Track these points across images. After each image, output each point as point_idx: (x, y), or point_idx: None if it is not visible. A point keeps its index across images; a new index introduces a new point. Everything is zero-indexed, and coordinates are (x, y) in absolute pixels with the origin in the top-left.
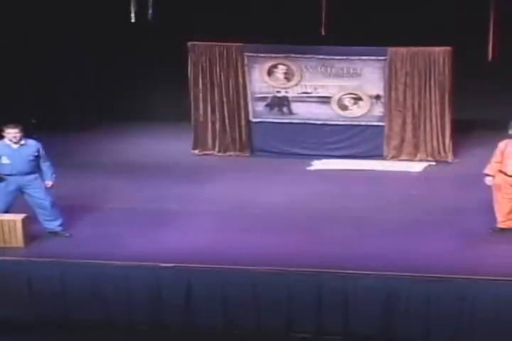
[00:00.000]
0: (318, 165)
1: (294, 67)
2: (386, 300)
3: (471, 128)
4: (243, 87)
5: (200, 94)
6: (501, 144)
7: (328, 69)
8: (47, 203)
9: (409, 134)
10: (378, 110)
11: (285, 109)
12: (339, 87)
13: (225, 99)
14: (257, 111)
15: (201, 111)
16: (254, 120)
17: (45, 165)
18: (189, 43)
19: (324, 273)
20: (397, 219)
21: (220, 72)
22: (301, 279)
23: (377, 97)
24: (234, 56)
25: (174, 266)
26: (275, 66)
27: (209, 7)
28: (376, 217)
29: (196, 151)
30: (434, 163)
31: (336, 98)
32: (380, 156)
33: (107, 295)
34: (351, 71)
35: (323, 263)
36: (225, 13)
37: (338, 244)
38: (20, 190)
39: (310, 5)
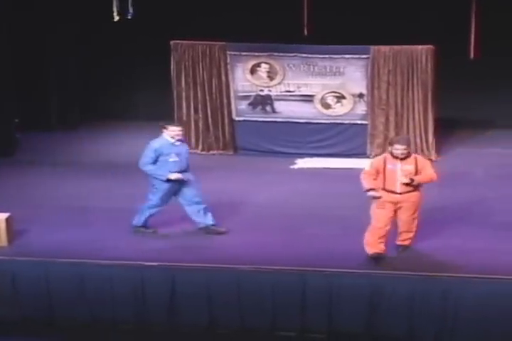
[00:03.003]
0: (301, 163)
1: (276, 65)
2: (370, 298)
3: (454, 127)
4: (226, 85)
5: (183, 93)
6: None
7: (311, 67)
8: (200, 199)
9: (392, 132)
10: (361, 108)
11: (268, 108)
12: (322, 86)
13: (208, 98)
14: (240, 110)
15: (184, 110)
16: (237, 119)
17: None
18: (172, 42)
19: (308, 271)
20: None
21: (203, 70)
22: (286, 278)
23: (360, 96)
24: (217, 55)
25: (158, 265)
26: (258, 65)
27: (192, 6)
28: (360, 216)
29: None
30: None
31: (319, 96)
32: (363, 155)
33: (92, 294)
34: (334, 69)
35: (308, 262)
36: (208, 12)
37: (321, 242)
38: (180, 186)
39: (293, 4)
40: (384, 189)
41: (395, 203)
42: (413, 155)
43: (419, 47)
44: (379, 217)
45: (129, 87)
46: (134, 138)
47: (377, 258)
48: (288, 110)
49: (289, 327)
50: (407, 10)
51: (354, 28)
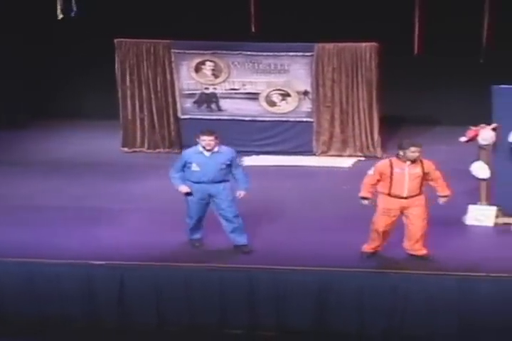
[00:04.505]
0: (248, 161)
1: (221, 63)
2: (318, 294)
3: (399, 124)
4: (171, 83)
5: (128, 92)
6: None
7: (256, 65)
8: (230, 215)
9: (337, 130)
10: (306, 106)
11: (213, 106)
12: (267, 83)
13: (153, 96)
14: (186, 108)
15: (129, 109)
16: (182, 117)
17: (239, 174)
18: (116, 40)
19: (256, 268)
20: (328, 214)
21: (147, 69)
22: (234, 275)
23: (305, 93)
24: (161, 53)
25: (106, 264)
26: (202, 63)
27: (137, 4)
28: (307, 213)
29: (126, 149)
30: (363, 159)
31: (264, 94)
32: (309, 152)
33: (41, 293)
34: (279, 67)
35: (256, 259)
36: (153, 10)
37: (269, 239)
38: (209, 198)
39: (239, 1)
40: (389, 194)
41: (401, 209)
42: (419, 158)
43: (363, 44)
44: (380, 222)
45: (77, 86)
46: (83, 138)
47: (369, 257)
48: (233, 108)
49: (237, 324)
50: (351, 7)
51: (300, 26)
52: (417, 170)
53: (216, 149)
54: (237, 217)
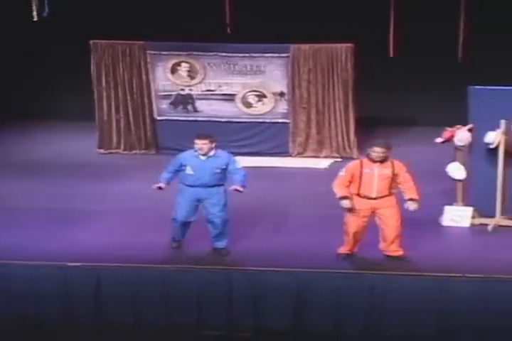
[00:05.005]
0: None
1: (197, 64)
2: (296, 295)
3: (375, 125)
4: (147, 85)
5: (104, 93)
6: None
7: (232, 66)
8: (218, 220)
9: (314, 131)
10: (283, 107)
11: (189, 107)
12: (243, 85)
13: (129, 98)
14: (162, 109)
15: (105, 110)
16: (158, 118)
17: (238, 175)
18: (91, 42)
19: (234, 270)
20: (305, 215)
21: (123, 70)
22: (211, 276)
23: (281, 94)
24: (137, 54)
25: (82, 265)
26: (178, 64)
27: (112, 5)
28: (284, 214)
29: (102, 150)
30: (339, 160)
31: (240, 95)
32: (286, 153)
33: (17, 294)
34: (254, 68)
35: (233, 260)
36: (128, 11)
37: (246, 240)
38: (199, 202)
39: (214, 2)
40: (358, 194)
41: (370, 210)
42: (389, 159)
43: (339, 45)
44: (351, 223)
45: (52, 88)
46: (59, 139)
47: (344, 258)
48: (209, 109)
49: (215, 325)
50: (327, 8)
51: (275, 27)
52: (387, 171)
53: (212, 153)
54: (225, 224)
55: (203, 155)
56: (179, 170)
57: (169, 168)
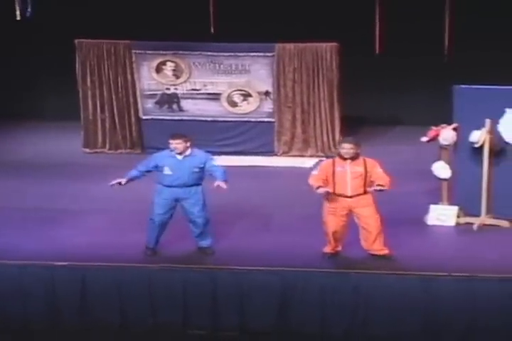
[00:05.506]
0: None
1: (182, 64)
2: (281, 295)
3: (361, 124)
4: (132, 84)
5: (89, 92)
6: None
7: (217, 66)
8: (200, 220)
9: (299, 130)
10: (268, 106)
11: (175, 106)
12: (228, 84)
13: (114, 97)
14: (147, 109)
15: (90, 110)
16: (144, 117)
17: (217, 171)
18: (76, 41)
19: (218, 269)
20: (290, 214)
21: (108, 69)
22: (196, 276)
23: (267, 93)
24: (122, 53)
25: (68, 265)
26: (163, 63)
27: (97, 4)
28: (269, 213)
29: (87, 149)
30: (325, 159)
31: (225, 95)
32: (271, 152)
33: (2, 293)
34: (240, 67)
35: (218, 260)
36: (113, 10)
37: (231, 239)
38: (177, 202)
39: (199, 2)
40: (334, 193)
41: (347, 208)
42: (361, 157)
43: (324, 44)
44: (329, 222)
45: (37, 87)
46: (44, 139)
47: (330, 258)
48: (195, 108)
49: (200, 325)
50: (312, 8)
51: (260, 26)
52: (359, 168)
53: (188, 152)
54: (206, 223)
55: (179, 154)
56: (151, 170)
57: (140, 168)
